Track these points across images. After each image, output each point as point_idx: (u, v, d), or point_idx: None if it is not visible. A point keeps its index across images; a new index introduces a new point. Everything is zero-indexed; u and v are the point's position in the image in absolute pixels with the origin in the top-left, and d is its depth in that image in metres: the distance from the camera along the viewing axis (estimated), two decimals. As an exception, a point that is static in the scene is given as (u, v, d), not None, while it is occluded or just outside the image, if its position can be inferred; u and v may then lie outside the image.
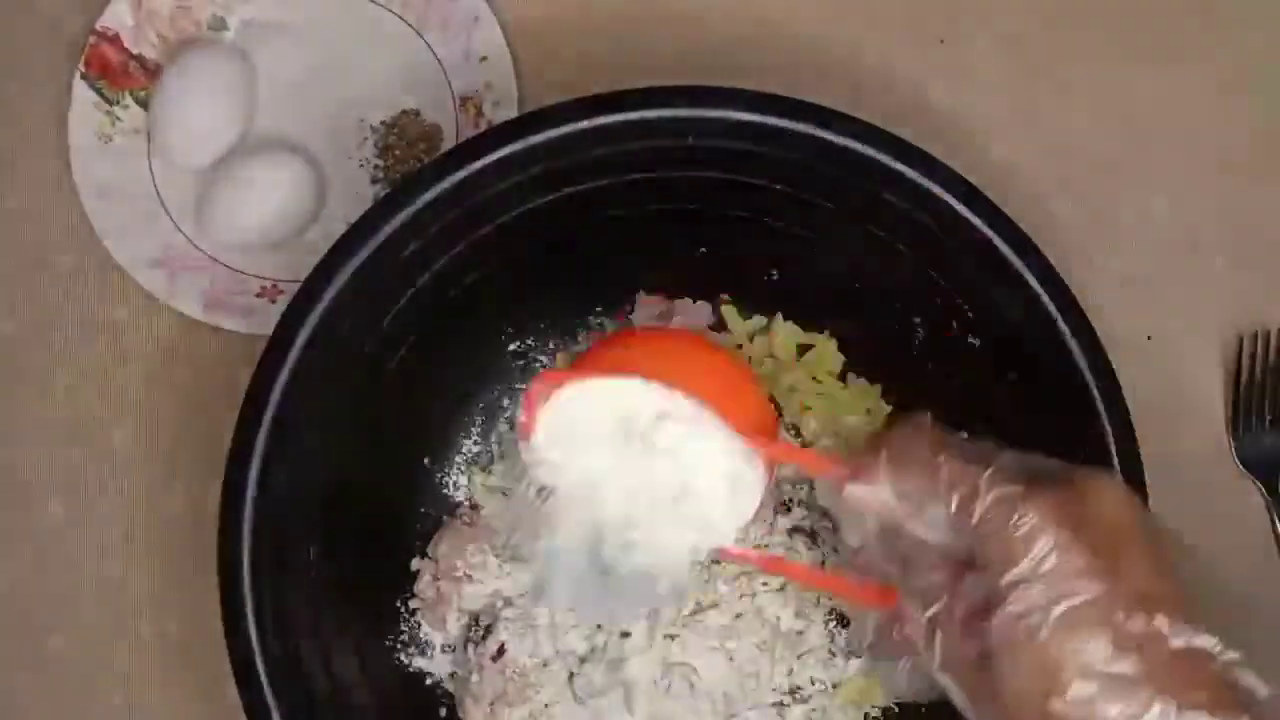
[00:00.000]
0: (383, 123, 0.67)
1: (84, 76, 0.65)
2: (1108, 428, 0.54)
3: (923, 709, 0.60)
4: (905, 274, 0.59)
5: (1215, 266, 0.67)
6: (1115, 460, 0.54)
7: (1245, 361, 0.66)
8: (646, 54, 0.68)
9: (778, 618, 0.57)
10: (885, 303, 0.61)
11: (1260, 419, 0.65)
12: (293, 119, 0.67)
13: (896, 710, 0.60)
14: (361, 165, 0.67)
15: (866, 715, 0.60)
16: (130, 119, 0.66)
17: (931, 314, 0.59)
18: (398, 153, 0.66)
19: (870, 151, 0.55)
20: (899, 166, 0.55)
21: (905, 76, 0.68)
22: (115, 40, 0.66)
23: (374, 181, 0.67)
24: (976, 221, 0.55)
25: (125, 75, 0.66)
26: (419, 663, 0.60)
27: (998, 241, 0.55)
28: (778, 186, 0.58)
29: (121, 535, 0.63)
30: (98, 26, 0.65)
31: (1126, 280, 0.67)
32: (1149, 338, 0.67)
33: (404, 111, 0.67)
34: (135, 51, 0.66)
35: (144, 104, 0.66)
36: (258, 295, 0.64)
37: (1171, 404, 0.66)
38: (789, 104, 0.55)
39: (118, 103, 0.66)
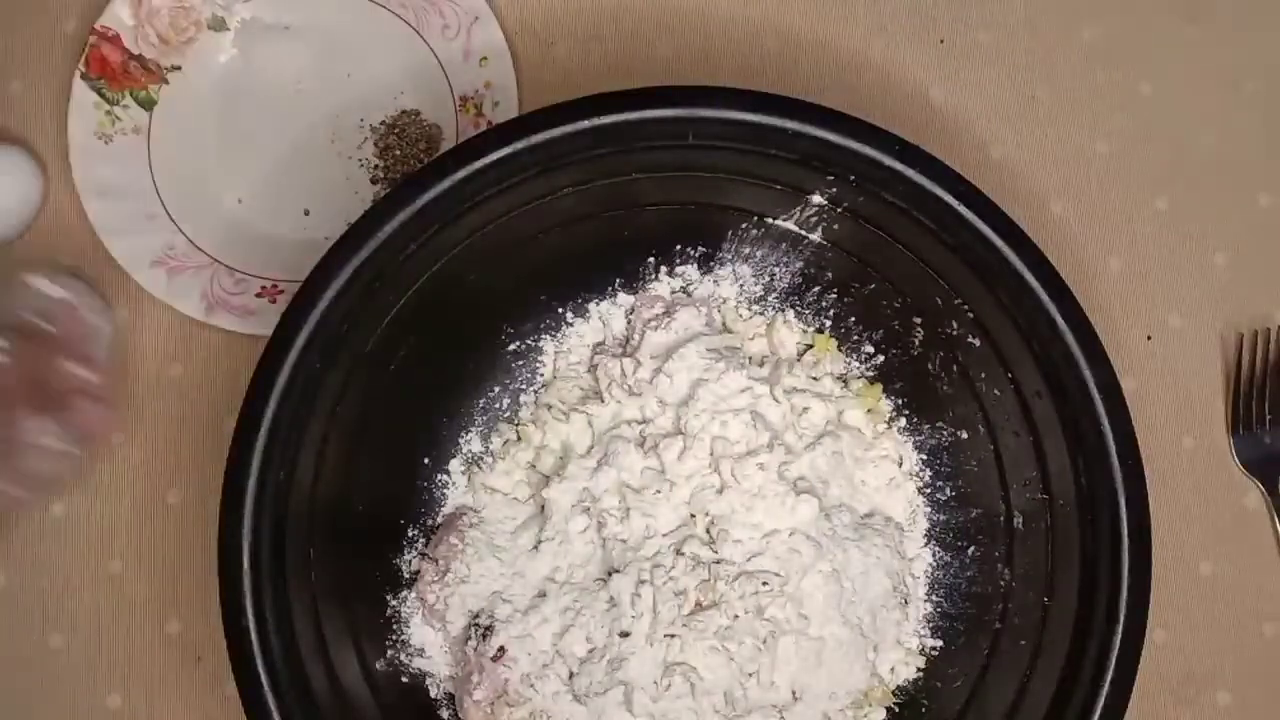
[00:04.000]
0: (383, 123, 0.67)
1: (84, 76, 0.65)
2: (1107, 428, 0.54)
3: (923, 709, 0.60)
4: (905, 274, 0.59)
5: (1215, 266, 0.67)
6: (1114, 459, 0.54)
7: (1245, 361, 0.66)
8: (646, 54, 0.68)
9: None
10: (885, 302, 0.61)
11: (1260, 419, 0.65)
12: (291, 114, 0.68)
13: (897, 711, 0.60)
14: (362, 165, 0.67)
15: (866, 716, 0.60)
16: (130, 119, 0.66)
17: (931, 314, 0.59)
18: (398, 152, 0.66)
19: (870, 151, 0.55)
20: (899, 166, 0.55)
21: (905, 76, 0.68)
22: (115, 40, 0.65)
23: (374, 181, 0.67)
24: (976, 221, 0.55)
25: (125, 75, 0.66)
26: (419, 663, 0.60)
27: (997, 241, 0.55)
28: (777, 186, 0.58)
29: (122, 535, 0.63)
30: (98, 26, 0.65)
31: (1126, 280, 0.67)
32: (1149, 338, 0.67)
33: (404, 111, 0.67)
34: (135, 51, 0.66)
35: (144, 104, 0.66)
36: (258, 295, 0.64)
37: (1171, 404, 0.66)
38: (788, 104, 0.55)
39: (118, 103, 0.66)
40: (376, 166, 0.67)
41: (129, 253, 0.64)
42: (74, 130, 0.65)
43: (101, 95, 0.65)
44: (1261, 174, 0.68)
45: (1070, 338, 0.54)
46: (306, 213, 0.67)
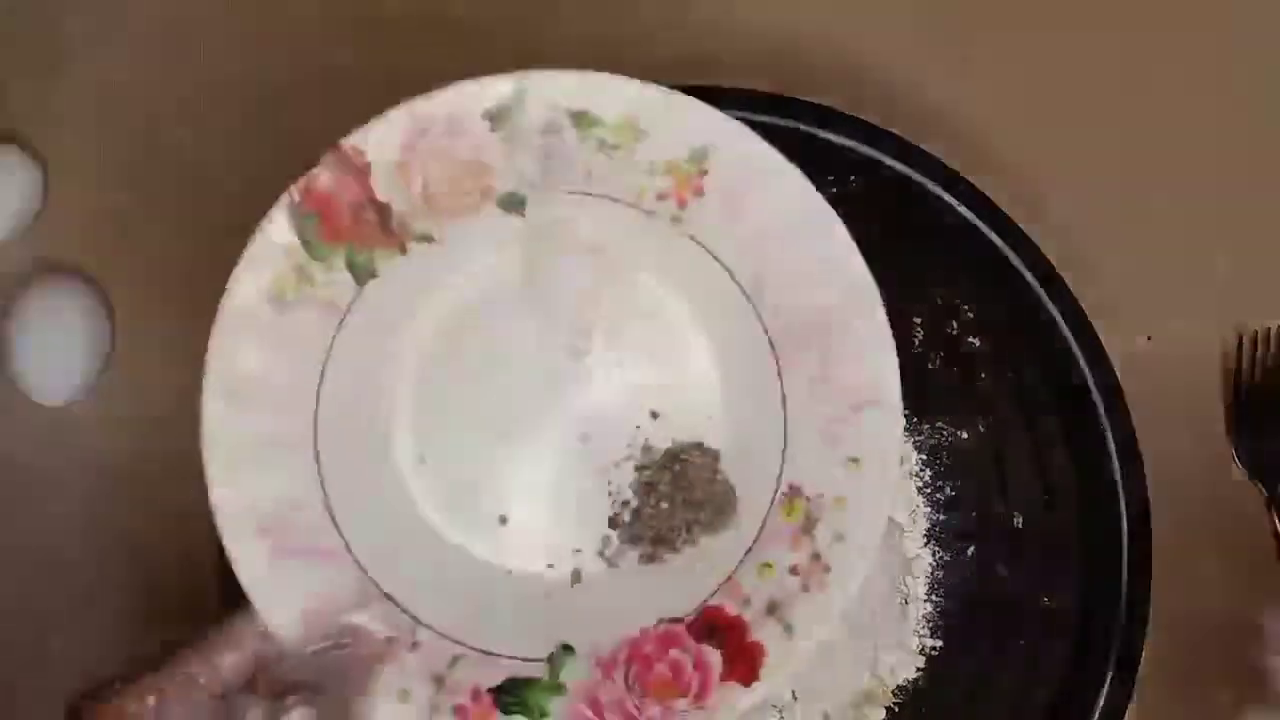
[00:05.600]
0: (667, 449, 0.56)
1: (293, 206, 0.45)
2: (1107, 428, 0.54)
3: (923, 709, 0.60)
4: (905, 274, 0.59)
5: (1215, 266, 0.67)
6: (1115, 461, 0.54)
7: (1245, 362, 0.66)
8: (645, 53, 0.68)
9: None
10: (885, 303, 0.61)
11: (1260, 419, 0.65)
12: (550, 371, 0.52)
13: (897, 711, 0.60)
14: (610, 492, 0.54)
15: (866, 716, 0.60)
16: (329, 286, 0.46)
17: (931, 314, 0.59)
18: (663, 505, 0.54)
19: (870, 151, 0.55)
20: (899, 166, 0.55)
21: (905, 76, 0.68)
22: (362, 173, 0.46)
23: (613, 524, 0.57)
24: (976, 221, 0.55)
25: (354, 225, 0.46)
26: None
27: (997, 241, 0.55)
28: (778, 186, 0.58)
29: (122, 535, 0.63)
30: (346, 146, 0.46)
31: (1126, 280, 0.67)
32: (1149, 338, 0.66)
33: (699, 445, 0.54)
34: (384, 199, 0.46)
35: (359, 272, 0.47)
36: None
37: (1171, 404, 0.66)
38: (788, 104, 0.55)
39: (323, 258, 0.46)
40: (624, 505, 0.51)
41: (234, 499, 0.45)
42: (243, 282, 0.45)
43: (305, 243, 0.45)
44: (1261, 174, 0.68)
45: (1070, 338, 0.54)
46: (503, 520, 0.51)
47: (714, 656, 0.47)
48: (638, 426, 0.51)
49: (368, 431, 0.49)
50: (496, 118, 0.45)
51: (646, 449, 0.51)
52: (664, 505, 0.50)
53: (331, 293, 0.46)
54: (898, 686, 0.60)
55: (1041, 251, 0.55)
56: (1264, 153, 0.69)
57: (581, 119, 0.46)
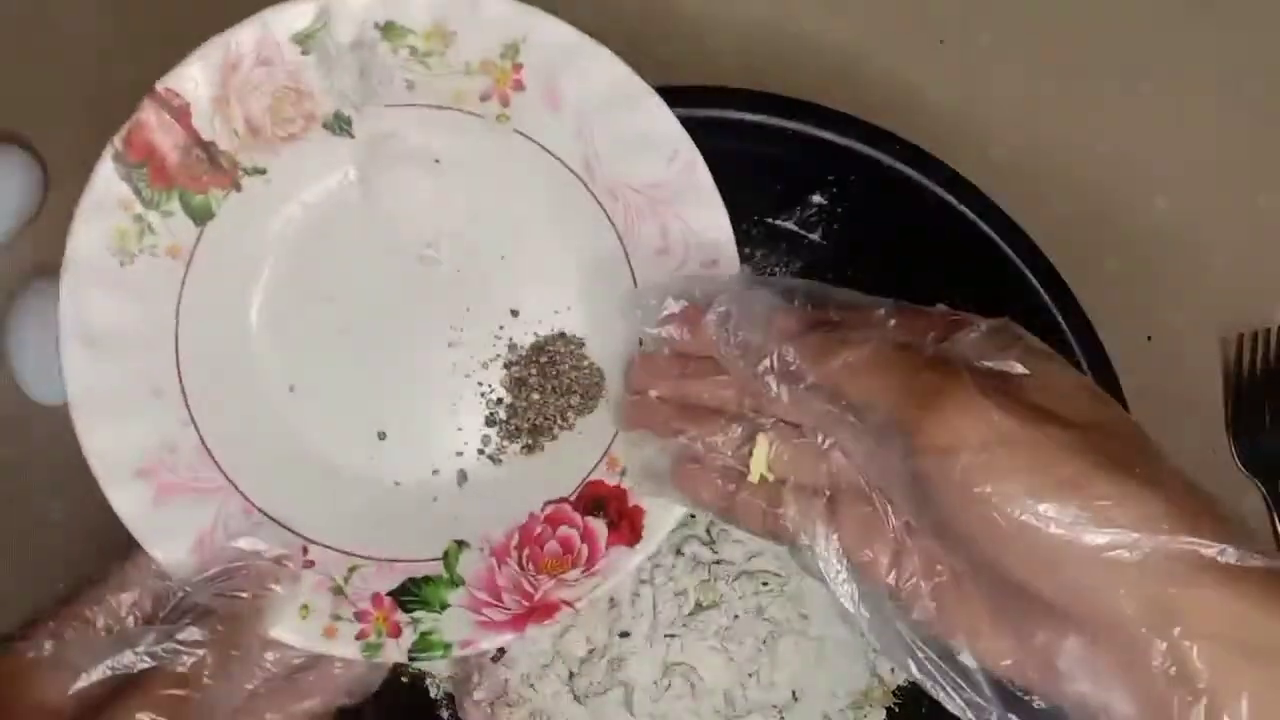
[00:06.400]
0: (533, 345, 0.57)
1: (118, 158, 0.45)
2: (1108, 427, 0.54)
3: (923, 709, 0.60)
4: (905, 273, 0.59)
5: (1215, 266, 0.67)
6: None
7: (1245, 361, 0.66)
8: (646, 54, 0.68)
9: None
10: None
11: (1260, 419, 0.65)
12: (404, 286, 0.52)
13: (897, 711, 0.60)
14: (481, 395, 0.55)
15: (866, 716, 0.60)
16: (169, 233, 0.46)
17: (931, 314, 0.59)
18: (535, 396, 0.56)
19: (870, 151, 0.55)
20: (899, 166, 0.55)
21: (905, 76, 0.68)
22: (183, 114, 0.46)
23: (490, 423, 0.58)
24: (977, 221, 0.55)
25: (183, 169, 0.47)
26: (419, 663, 0.60)
27: (997, 241, 0.55)
28: (778, 187, 0.58)
29: (122, 535, 0.63)
30: (161, 89, 0.46)
31: (1126, 280, 0.67)
32: (1149, 338, 0.66)
33: (563, 336, 0.55)
34: (207, 137, 0.47)
35: (197, 215, 0.47)
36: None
37: (1171, 404, 0.66)
38: (789, 104, 0.55)
39: (158, 205, 0.46)
40: (499, 403, 0.52)
41: (107, 447, 0.45)
42: (80, 236, 0.45)
43: (137, 192, 0.46)
44: (1261, 174, 0.68)
45: (1070, 338, 0.54)
46: (382, 436, 0.51)
47: (599, 525, 0.50)
48: (501, 326, 0.52)
49: (233, 368, 0.49)
50: (305, 41, 0.47)
51: (512, 346, 0.52)
52: (536, 397, 0.52)
53: (173, 238, 0.47)
54: (898, 687, 0.60)
55: (1042, 251, 0.55)
56: (1264, 153, 0.69)
57: (390, 30, 0.47)
